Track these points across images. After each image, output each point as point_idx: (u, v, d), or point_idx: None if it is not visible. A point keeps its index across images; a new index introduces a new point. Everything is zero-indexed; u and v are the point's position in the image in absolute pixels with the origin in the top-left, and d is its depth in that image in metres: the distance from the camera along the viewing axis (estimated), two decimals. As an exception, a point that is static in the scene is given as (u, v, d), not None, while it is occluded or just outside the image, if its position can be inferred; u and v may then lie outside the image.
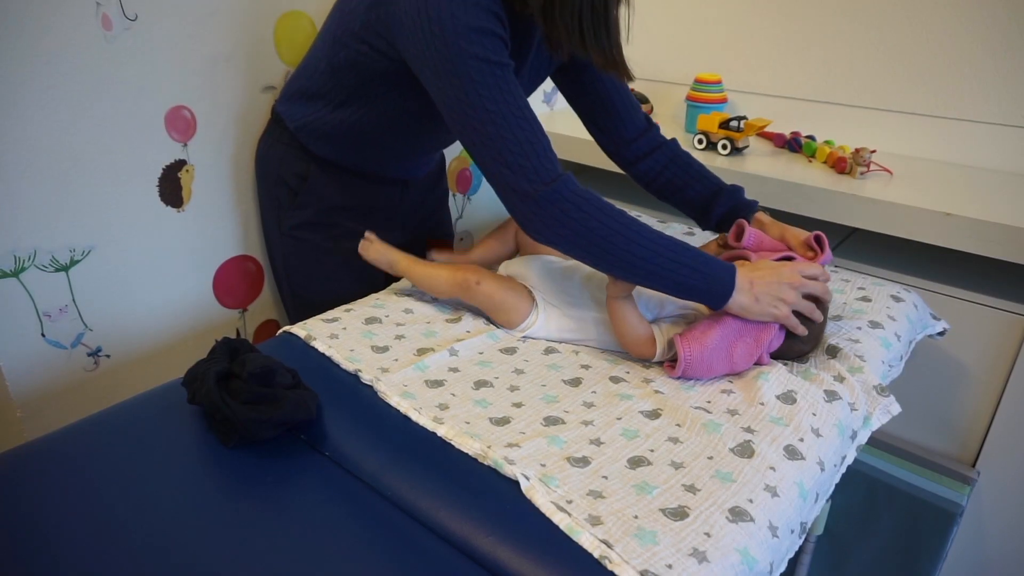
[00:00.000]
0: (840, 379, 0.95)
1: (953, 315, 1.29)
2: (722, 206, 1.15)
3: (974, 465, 1.35)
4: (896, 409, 0.94)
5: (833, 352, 1.01)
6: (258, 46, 1.22)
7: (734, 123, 1.55)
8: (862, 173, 1.43)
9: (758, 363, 0.96)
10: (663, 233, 0.91)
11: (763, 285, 0.92)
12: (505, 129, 0.88)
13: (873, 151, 1.46)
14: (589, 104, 1.18)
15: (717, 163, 1.51)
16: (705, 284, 0.90)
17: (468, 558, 0.68)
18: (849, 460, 0.89)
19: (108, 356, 1.16)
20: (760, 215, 1.13)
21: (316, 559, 0.67)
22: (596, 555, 0.66)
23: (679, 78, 1.86)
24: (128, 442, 0.82)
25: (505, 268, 1.13)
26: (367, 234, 1.15)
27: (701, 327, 0.95)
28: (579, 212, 0.89)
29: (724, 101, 1.71)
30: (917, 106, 1.55)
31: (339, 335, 1.02)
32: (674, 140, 1.20)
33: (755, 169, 1.47)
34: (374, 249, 1.15)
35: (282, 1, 1.23)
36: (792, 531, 0.75)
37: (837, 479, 0.87)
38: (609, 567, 0.64)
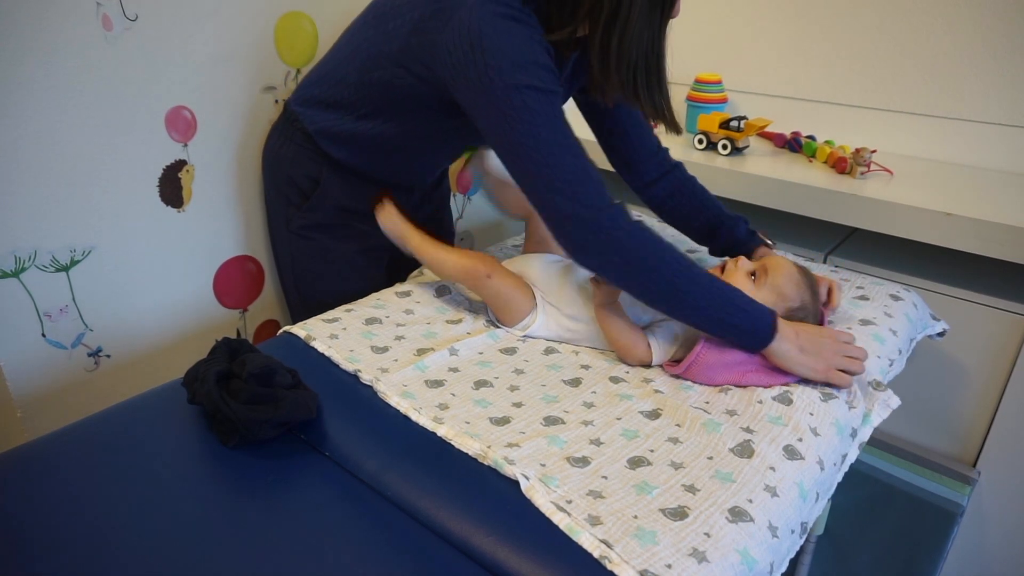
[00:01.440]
0: (827, 399, 0.95)
1: (953, 315, 1.29)
2: (722, 239, 1.17)
3: (975, 465, 1.35)
4: (895, 402, 0.94)
5: None
6: (258, 46, 1.22)
7: (734, 123, 1.55)
8: (862, 173, 1.43)
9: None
10: (709, 272, 0.92)
11: (807, 339, 0.92)
12: (559, 157, 0.88)
13: (874, 151, 1.46)
14: (607, 126, 1.20)
15: (717, 163, 1.51)
16: (748, 324, 0.90)
17: (468, 558, 0.68)
18: (851, 458, 0.89)
19: (108, 356, 1.16)
20: (763, 252, 1.15)
21: (316, 559, 0.67)
22: (596, 555, 0.66)
23: (679, 78, 1.85)
24: (128, 442, 0.82)
25: (508, 264, 1.13)
26: (384, 199, 1.14)
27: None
28: (632, 240, 0.89)
29: (724, 101, 1.71)
30: (917, 106, 1.55)
31: (339, 335, 1.02)
32: (680, 164, 1.23)
33: (755, 169, 1.47)
34: (388, 218, 1.13)
35: (282, 1, 1.23)
36: (792, 531, 0.75)
37: (839, 478, 0.87)
38: (609, 567, 0.64)
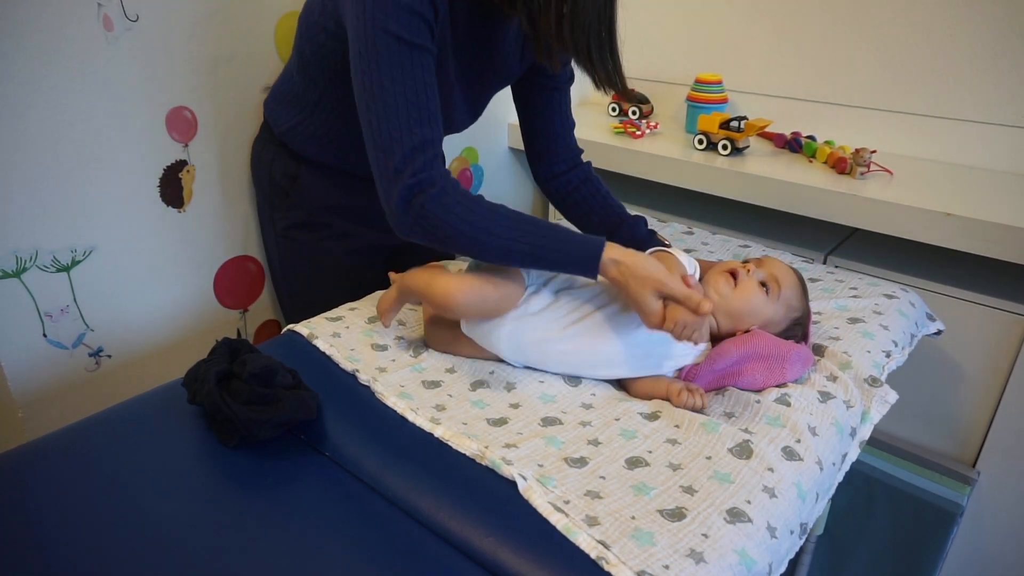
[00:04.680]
0: (833, 378, 0.95)
1: (953, 315, 1.29)
2: (622, 238, 1.14)
3: (974, 465, 1.35)
4: (893, 397, 0.94)
5: (820, 351, 1.01)
6: (258, 46, 1.22)
7: (735, 123, 1.55)
8: (862, 173, 1.43)
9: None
10: (525, 217, 0.89)
11: (628, 270, 0.87)
12: (393, 114, 0.86)
13: (873, 151, 1.46)
14: (536, 109, 1.18)
15: (717, 163, 1.51)
16: (569, 256, 0.88)
17: (468, 558, 0.68)
18: (852, 457, 0.89)
19: (109, 356, 1.16)
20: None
21: (316, 559, 0.67)
22: (593, 556, 0.66)
23: (679, 78, 1.86)
24: (128, 442, 0.82)
25: (469, 331, 0.98)
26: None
27: (721, 349, 0.94)
28: (436, 219, 0.86)
29: (725, 101, 1.71)
30: (917, 106, 1.55)
31: (341, 334, 1.02)
32: (589, 163, 1.22)
33: (756, 170, 1.47)
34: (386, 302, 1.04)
35: (282, 1, 1.23)
36: (792, 532, 0.75)
37: (840, 478, 0.87)
38: (606, 567, 0.64)
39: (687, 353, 0.94)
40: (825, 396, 0.91)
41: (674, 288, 0.85)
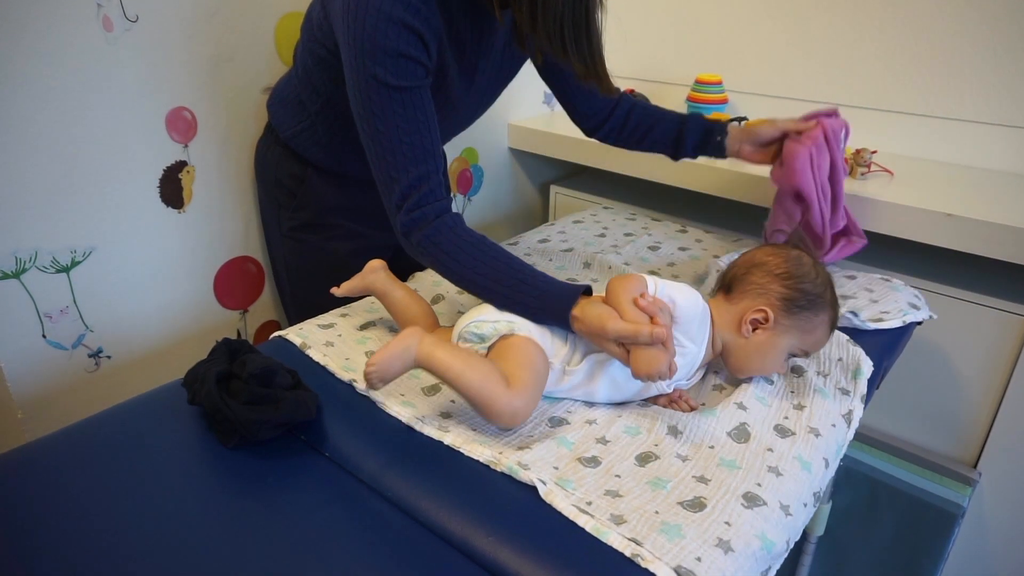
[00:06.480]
0: (800, 373, 0.96)
1: (954, 315, 1.29)
2: (693, 135, 1.22)
3: (975, 466, 1.35)
4: (868, 362, 0.96)
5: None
6: (258, 47, 1.22)
7: (735, 124, 1.55)
8: (863, 174, 1.43)
9: None
10: (512, 265, 0.90)
11: (585, 327, 0.84)
12: (389, 152, 0.91)
13: (874, 152, 1.45)
14: (560, 80, 1.22)
15: (718, 163, 1.51)
16: (544, 310, 0.88)
17: (470, 560, 0.68)
18: (859, 414, 0.89)
19: (109, 357, 1.16)
20: (746, 125, 1.21)
21: (316, 559, 0.67)
22: (628, 554, 0.65)
23: (679, 78, 1.86)
24: (128, 442, 0.82)
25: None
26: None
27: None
28: (428, 254, 0.92)
29: (725, 102, 1.71)
30: (917, 106, 1.55)
31: (335, 342, 1.01)
32: (626, 95, 1.25)
33: (756, 169, 1.46)
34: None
35: (282, 1, 1.23)
36: (805, 505, 0.76)
37: (851, 436, 0.88)
38: (643, 564, 0.64)
39: (677, 380, 0.91)
40: (799, 371, 0.94)
41: (619, 330, 0.79)
